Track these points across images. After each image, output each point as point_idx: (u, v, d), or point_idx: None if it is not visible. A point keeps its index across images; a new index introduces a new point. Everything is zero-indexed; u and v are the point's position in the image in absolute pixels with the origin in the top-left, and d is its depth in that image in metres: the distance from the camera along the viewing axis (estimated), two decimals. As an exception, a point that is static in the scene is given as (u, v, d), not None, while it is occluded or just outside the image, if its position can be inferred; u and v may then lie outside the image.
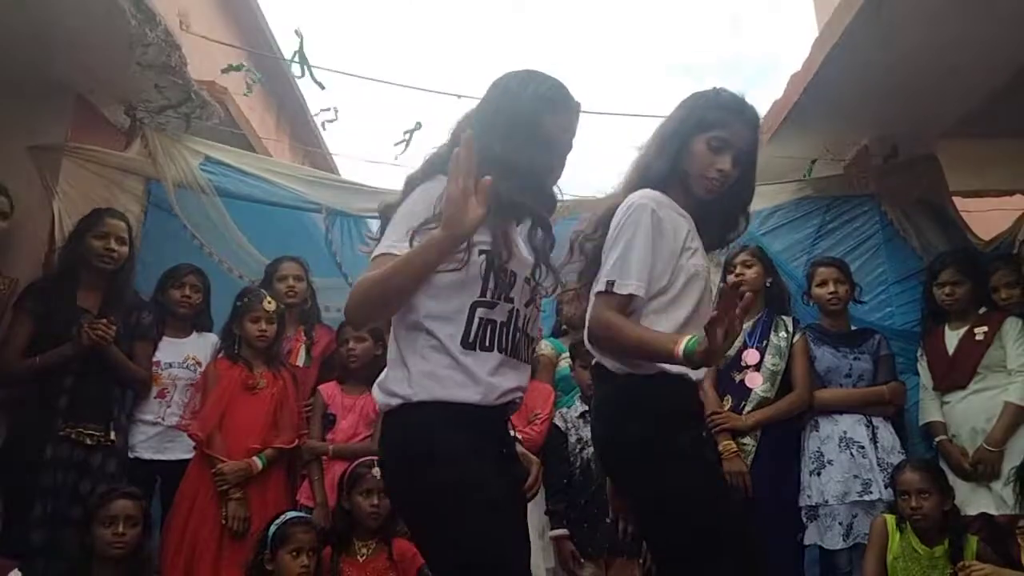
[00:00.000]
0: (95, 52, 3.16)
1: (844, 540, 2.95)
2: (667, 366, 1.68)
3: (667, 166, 1.86)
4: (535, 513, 2.92)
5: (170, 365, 3.17)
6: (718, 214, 1.94)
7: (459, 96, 4.82)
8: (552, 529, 2.87)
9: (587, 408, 2.98)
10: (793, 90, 3.66)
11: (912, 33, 2.96)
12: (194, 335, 3.29)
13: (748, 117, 1.88)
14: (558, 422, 2.99)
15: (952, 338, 3.22)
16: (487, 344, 1.58)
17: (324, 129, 5.34)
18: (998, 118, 3.57)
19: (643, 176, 1.88)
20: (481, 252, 1.56)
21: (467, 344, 1.56)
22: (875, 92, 3.42)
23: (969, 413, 3.10)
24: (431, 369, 1.55)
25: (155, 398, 3.11)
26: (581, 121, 1.73)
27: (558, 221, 1.80)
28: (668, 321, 1.75)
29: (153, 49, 3.15)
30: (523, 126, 1.62)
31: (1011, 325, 3.12)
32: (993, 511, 2.93)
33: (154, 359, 3.15)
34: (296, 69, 4.35)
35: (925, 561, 2.79)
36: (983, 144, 3.77)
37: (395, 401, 1.57)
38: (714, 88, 1.91)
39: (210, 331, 3.32)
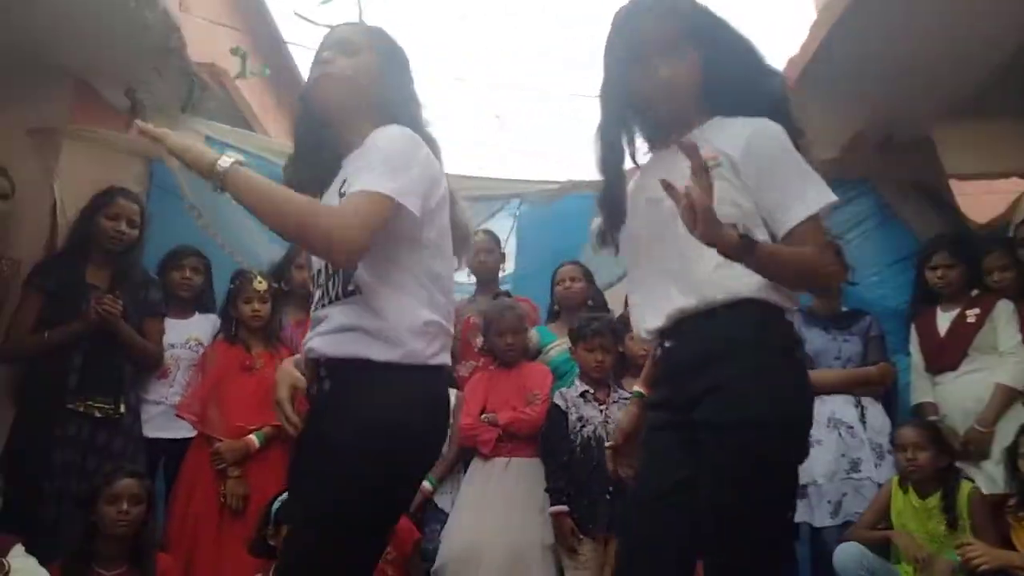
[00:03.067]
0: (95, 35, 3.16)
1: (832, 518, 2.98)
2: None
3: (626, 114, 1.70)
4: (536, 490, 2.98)
5: (172, 346, 3.20)
6: (725, 94, 1.61)
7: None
8: (552, 505, 2.91)
9: (587, 388, 3.04)
10: (790, 73, 3.64)
11: (911, 14, 2.95)
12: (196, 316, 3.32)
13: (630, 15, 1.63)
14: (558, 401, 3.03)
15: (944, 320, 3.25)
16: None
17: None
18: (995, 99, 3.55)
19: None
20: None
21: None
22: (871, 76, 3.40)
23: (960, 394, 3.14)
24: None
25: (158, 378, 3.15)
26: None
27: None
28: None
29: (152, 31, 3.15)
30: None
31: (1003, 308, 3.15)
32: (984, 491, 2.95)
33: (160, 337, 3.16)
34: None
35: (922, 513, 2.85)
36: (979, 126, 3.73)
37: None
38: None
39: (213, 312, 3.34)
